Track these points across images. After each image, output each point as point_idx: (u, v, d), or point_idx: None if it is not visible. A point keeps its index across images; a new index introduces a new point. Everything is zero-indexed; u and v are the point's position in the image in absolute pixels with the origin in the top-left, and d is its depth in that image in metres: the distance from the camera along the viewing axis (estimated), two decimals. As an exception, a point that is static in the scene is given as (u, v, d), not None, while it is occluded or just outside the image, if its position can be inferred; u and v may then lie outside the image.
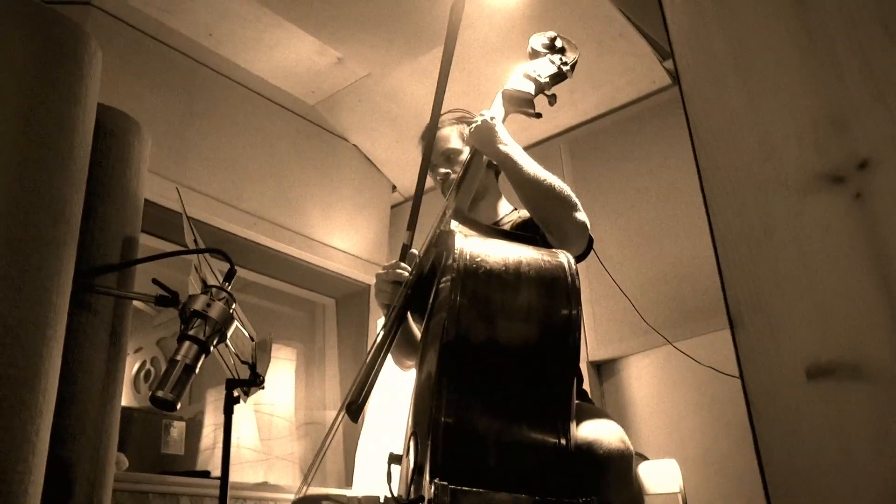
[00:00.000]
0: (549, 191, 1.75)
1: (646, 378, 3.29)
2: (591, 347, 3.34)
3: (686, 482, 2.39)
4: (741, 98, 0.81)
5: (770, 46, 0.81)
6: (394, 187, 4.26)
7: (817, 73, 0.77)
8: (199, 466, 3.28)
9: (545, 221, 1.78)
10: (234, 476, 3.06)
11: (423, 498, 1.28)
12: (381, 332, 1.67)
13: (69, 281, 1.44)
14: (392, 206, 4.26)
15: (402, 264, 1.87)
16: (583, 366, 3.25)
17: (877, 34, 0.75)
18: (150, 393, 1.47)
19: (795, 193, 0.75)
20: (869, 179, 0.72)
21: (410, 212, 1.92)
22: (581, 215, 1.77)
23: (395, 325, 1.64)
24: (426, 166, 1.96)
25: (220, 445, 3.21)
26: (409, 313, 1.87)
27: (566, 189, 1.78)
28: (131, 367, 3.96)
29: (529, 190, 1.76)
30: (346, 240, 3.86)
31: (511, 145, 1.81)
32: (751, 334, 0.75)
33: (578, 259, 1.85)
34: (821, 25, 0.77)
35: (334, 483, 3.52)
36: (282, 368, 3.80)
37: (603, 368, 3.43)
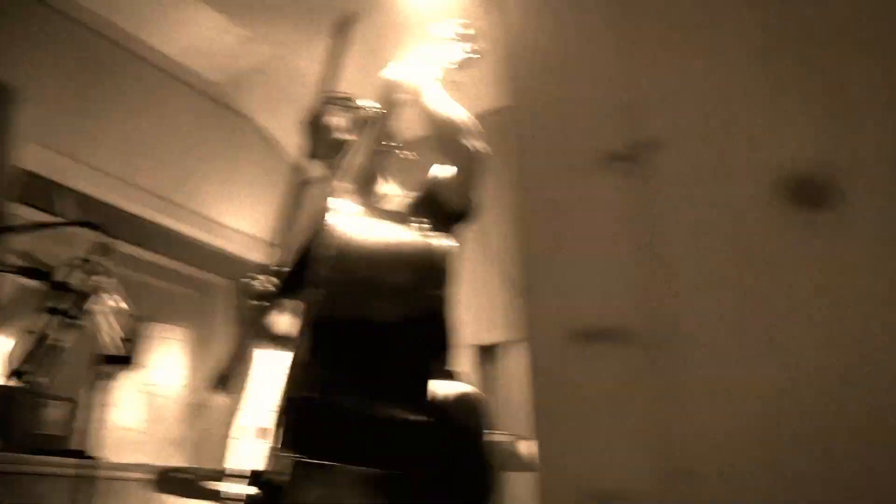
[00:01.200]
0: (456, 120, 1.82)
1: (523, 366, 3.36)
2: (475, 331, 3.40)
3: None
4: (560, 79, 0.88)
5: (585, 36, 0.88)
6: (298, 170, 4.23)
7: (618, 61, 0.85)
8: (80, 447, 3.19)
9: (447, 148, 1.84)
10: (119, 457, 2.99)
11: (279, 472, 1.30)
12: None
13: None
14: (294, 188, 4.21)
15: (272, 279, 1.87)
16: (466, 349, 3.32)
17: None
18: (15, 370, 1.44)
19: (585, 172, 0.83)
20: (653, 160, 0.81)
21: (281, 230, 1.91)
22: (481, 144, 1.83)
23: (266, 307, 1.65)
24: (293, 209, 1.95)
25: (100, 426, 3.12)
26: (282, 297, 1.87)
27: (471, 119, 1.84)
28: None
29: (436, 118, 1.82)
30: (248, 220, 3.81)
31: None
32: (536, 298, 0.83)
33: (460, 220, 1.89)
34: (630, 22, 0.86)
35: (215, 462, 3.46)
36: (170, 349, 3.73)
37: (487, 352, 3.50)
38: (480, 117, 1.91)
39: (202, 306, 4.02)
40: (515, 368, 3.44)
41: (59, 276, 1.54)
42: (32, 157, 2.71)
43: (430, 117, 1.85)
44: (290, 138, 4.01)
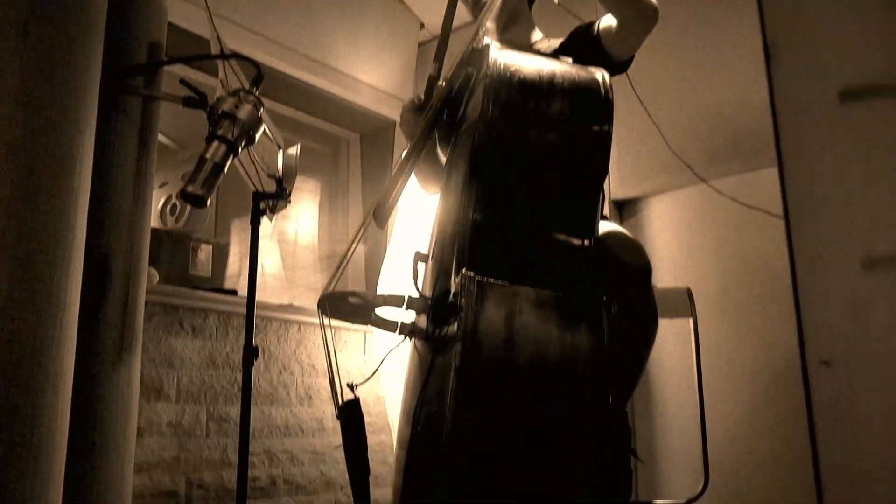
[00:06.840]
0: None
1: (667, 218, 3.30)
2: (614, 185, 3.33)
3: (701, 316, 2.45)
4: None
5: None
6: (422, 25, 4.13)
7: None
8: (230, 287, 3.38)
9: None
10: (260, 298, 3.16)
11: (448, 291, 1.31)
12: (410, 144, 1.67)
13: (97, 76, 1.43)
14: (420, 44, 4.14)
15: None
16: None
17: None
18: (180, 191, 1.48)
19: None
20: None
21: (438, 41, 1.87)
22: None
23: (426, 135, 1.64)
24: None
25: (245, 272, 3.29)
26: (435, 136, 1.87)
27: None
28: (157, 200, 4.02)
29: None
30: (373, 74, 3.79)
31: None
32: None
33: (617, 70, 1.83)
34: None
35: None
36: (305, 201, 3.85)
37: (625, 207, 3.44)
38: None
39: (333, 160, 4.09)
40: (647, 224, 3.37)
41: (216, 105, 1.56)
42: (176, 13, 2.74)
43: None
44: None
